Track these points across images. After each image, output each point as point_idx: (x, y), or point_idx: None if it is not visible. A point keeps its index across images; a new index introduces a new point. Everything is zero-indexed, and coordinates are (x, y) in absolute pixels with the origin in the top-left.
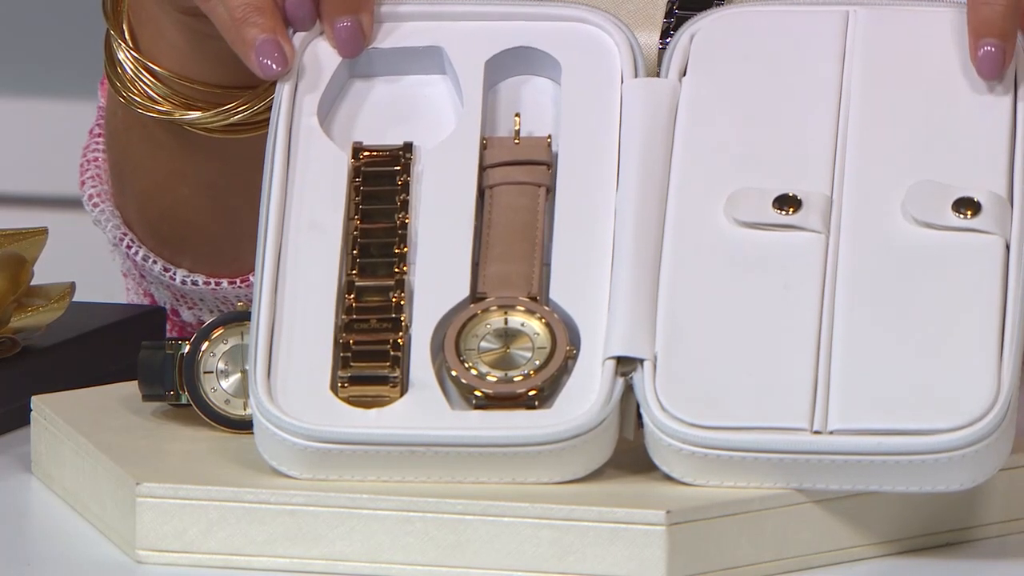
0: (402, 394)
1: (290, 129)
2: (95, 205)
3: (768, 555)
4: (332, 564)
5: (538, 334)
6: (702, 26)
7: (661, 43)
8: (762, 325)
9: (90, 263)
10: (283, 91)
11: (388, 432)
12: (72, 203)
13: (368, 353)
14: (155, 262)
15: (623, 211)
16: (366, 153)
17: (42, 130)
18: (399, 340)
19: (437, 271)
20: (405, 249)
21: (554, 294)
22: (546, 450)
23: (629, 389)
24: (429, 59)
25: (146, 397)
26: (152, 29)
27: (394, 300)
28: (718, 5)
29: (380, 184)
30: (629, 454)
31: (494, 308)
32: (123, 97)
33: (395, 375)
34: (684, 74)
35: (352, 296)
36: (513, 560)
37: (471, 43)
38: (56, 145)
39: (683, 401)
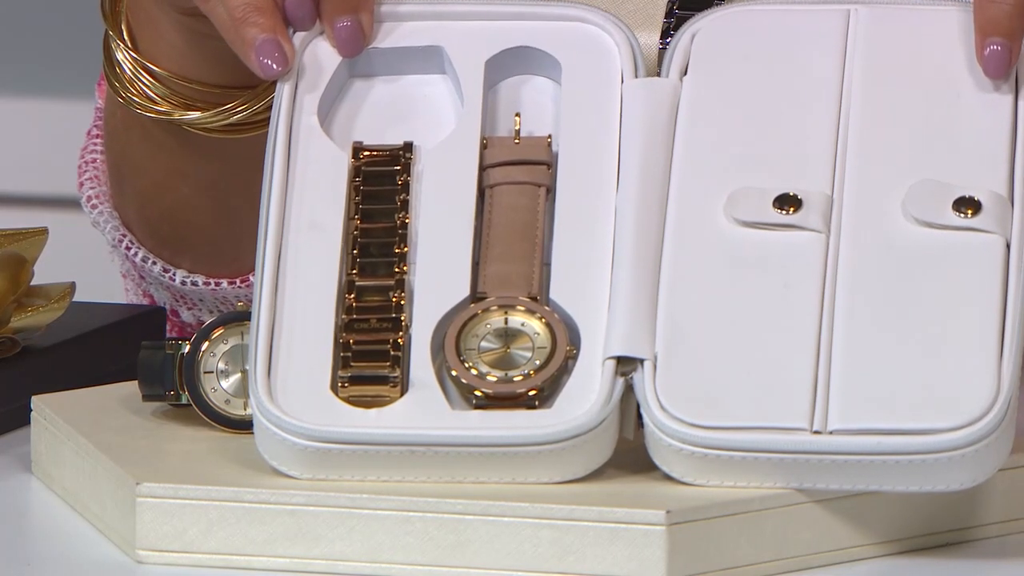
0: (402, 394)
1: (290, 129)
2: (94, 207)
3: (768, 555)
4: (332, 564)
5: (538, 334)
6: (702, 26)
7: (661, 43)
8: (762, 325)
9: (90, 263)
10: (283, 91)
11: (388, 432)
12: (72, 203)
13: (368, 353)
14: (154, 263)
15: (623, 211)
16: (366, 153)
17: (42, 130)
18: (399, 340)
19: (437, 271)
20: (405, 249)
21: (554, 294)
22: (546, 450)
23: (629, 389)
24: (429, 59)
25: (146, 397)
26: (151, 29)
27: (394, 300)
28: (718, 5)
29: (380, 184)
30: (629, 454)
31: (494, 308)
32: (122, 97)
33: (395, 375)
34: (684, 74)
35: (352, 296)
36: (513, 560)
37: (471, 43)
38: (56, 145)
39: (683, 401)
